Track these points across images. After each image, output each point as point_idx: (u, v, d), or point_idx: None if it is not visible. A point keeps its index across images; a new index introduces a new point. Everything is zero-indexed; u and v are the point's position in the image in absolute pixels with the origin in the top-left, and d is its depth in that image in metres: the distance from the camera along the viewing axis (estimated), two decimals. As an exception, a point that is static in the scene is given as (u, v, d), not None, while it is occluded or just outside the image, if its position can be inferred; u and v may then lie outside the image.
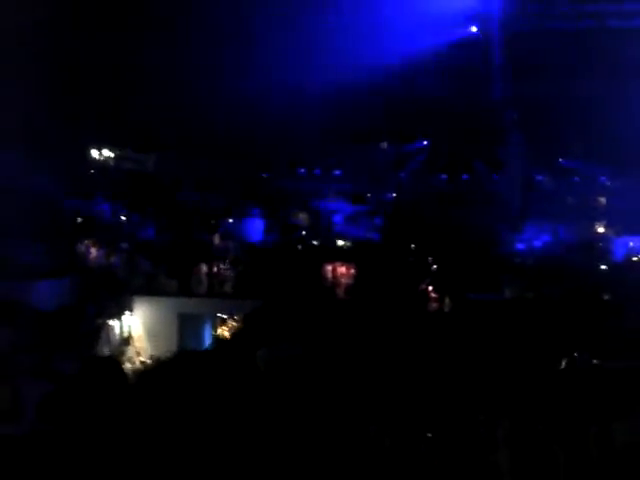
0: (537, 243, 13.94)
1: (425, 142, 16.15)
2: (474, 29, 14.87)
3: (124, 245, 11.77)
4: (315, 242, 13.18)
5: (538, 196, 15.55)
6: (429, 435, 6.32)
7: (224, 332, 10.05)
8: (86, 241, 11.69)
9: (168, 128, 14.75)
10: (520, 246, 13.74)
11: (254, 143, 14.67)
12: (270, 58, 13.26)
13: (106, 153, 16.23)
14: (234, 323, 9.84)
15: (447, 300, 10.33)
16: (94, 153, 16.14)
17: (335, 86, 12.96)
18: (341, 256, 11.61)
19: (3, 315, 8.58)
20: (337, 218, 14.52)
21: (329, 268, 10.94)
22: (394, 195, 15.91)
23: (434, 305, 10.36)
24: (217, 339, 9.90)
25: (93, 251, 11.52)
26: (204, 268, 11.27)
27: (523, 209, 15.11)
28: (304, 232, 13.56)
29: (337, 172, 16.24)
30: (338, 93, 13.05)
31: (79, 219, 12.99)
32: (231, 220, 13.54)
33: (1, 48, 11.50)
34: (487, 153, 15.79)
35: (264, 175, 15.96)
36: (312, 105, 13.49)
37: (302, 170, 16.13)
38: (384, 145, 16.21)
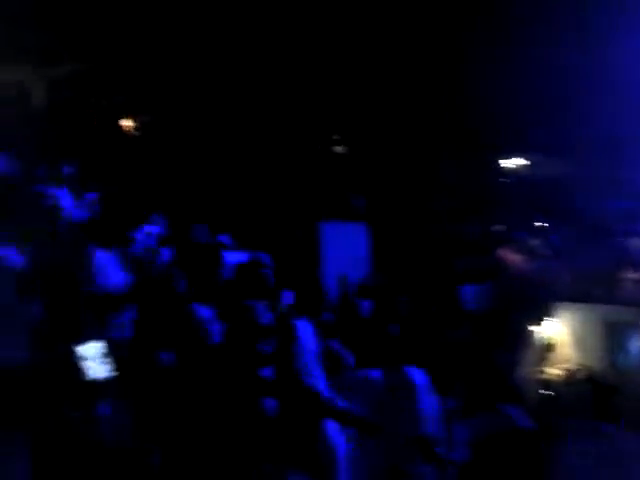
0: None
1: None
2: None
3: (545, 251, 11.82)
4: None
5: None
6: None
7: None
8: (506, 248, 12.04)
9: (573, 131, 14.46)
10: None
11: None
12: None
13: (516, 161, 16.53)
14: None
15: None
16: (504, 162, 16.58)
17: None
18: None
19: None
20: None
21: None
22: None
23: None
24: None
25: (514, 257, 11.79)
26: (633, 274, 10.67)
27: None
28: None
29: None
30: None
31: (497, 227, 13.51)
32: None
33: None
34: None
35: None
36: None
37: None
38: None
